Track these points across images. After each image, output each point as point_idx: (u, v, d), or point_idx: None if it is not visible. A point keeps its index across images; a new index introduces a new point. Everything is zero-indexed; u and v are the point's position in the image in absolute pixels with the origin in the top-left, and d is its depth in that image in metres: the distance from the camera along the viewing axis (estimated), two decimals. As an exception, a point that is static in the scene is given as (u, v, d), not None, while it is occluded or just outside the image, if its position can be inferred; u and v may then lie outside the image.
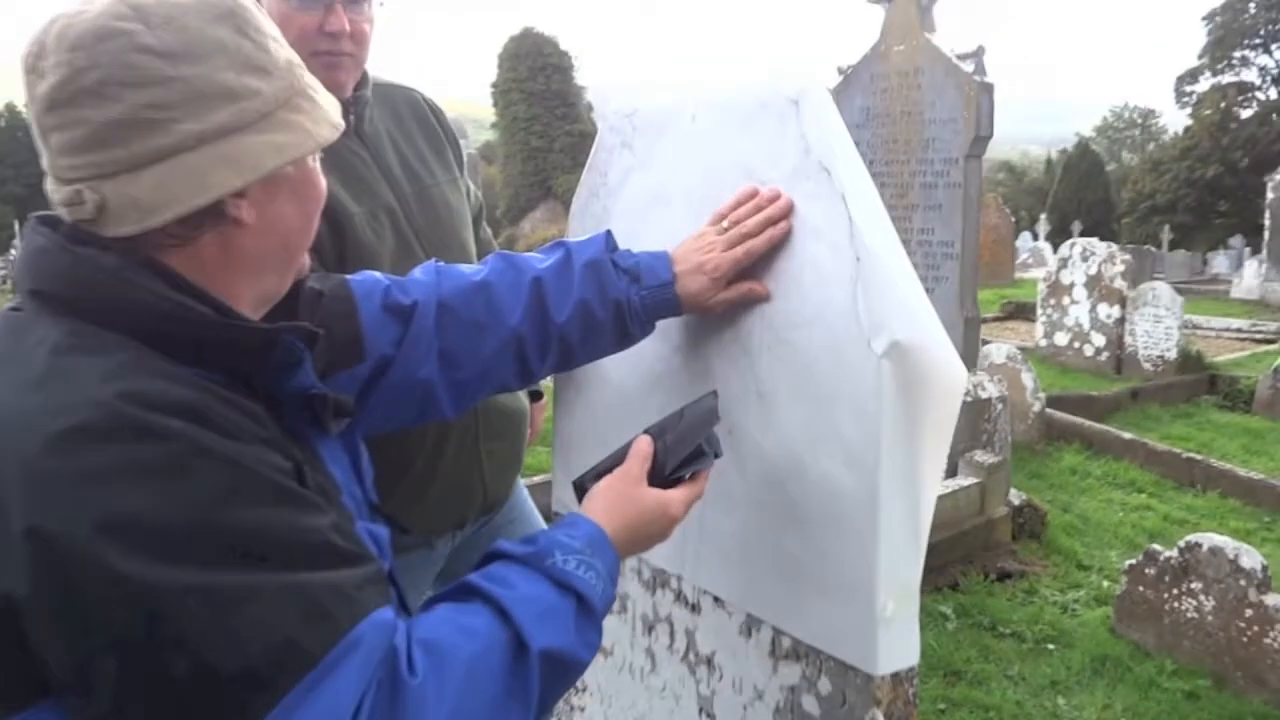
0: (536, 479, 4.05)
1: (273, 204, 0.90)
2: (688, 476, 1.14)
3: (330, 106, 0.96)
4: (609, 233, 1.30)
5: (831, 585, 1.20)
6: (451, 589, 0.95)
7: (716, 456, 1.17)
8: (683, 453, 1.14)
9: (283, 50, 0.92)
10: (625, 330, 1.28)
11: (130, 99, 0.81)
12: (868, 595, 1.16)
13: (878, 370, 1.12)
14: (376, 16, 1.60)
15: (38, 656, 0.75)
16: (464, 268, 1.28)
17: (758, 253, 1.24)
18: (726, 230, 1.26)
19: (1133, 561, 3.66)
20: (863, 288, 1.14)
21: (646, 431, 1.15)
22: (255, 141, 0.86)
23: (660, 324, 1.34)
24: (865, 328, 1.14)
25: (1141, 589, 3.58)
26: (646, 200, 1.48)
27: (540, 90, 33.90)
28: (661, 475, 1.12)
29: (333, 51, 1.53)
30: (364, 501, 1.08)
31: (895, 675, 1.19)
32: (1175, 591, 3.46)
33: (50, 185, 0.86)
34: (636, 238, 1.49)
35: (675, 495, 1.11)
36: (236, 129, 0.85)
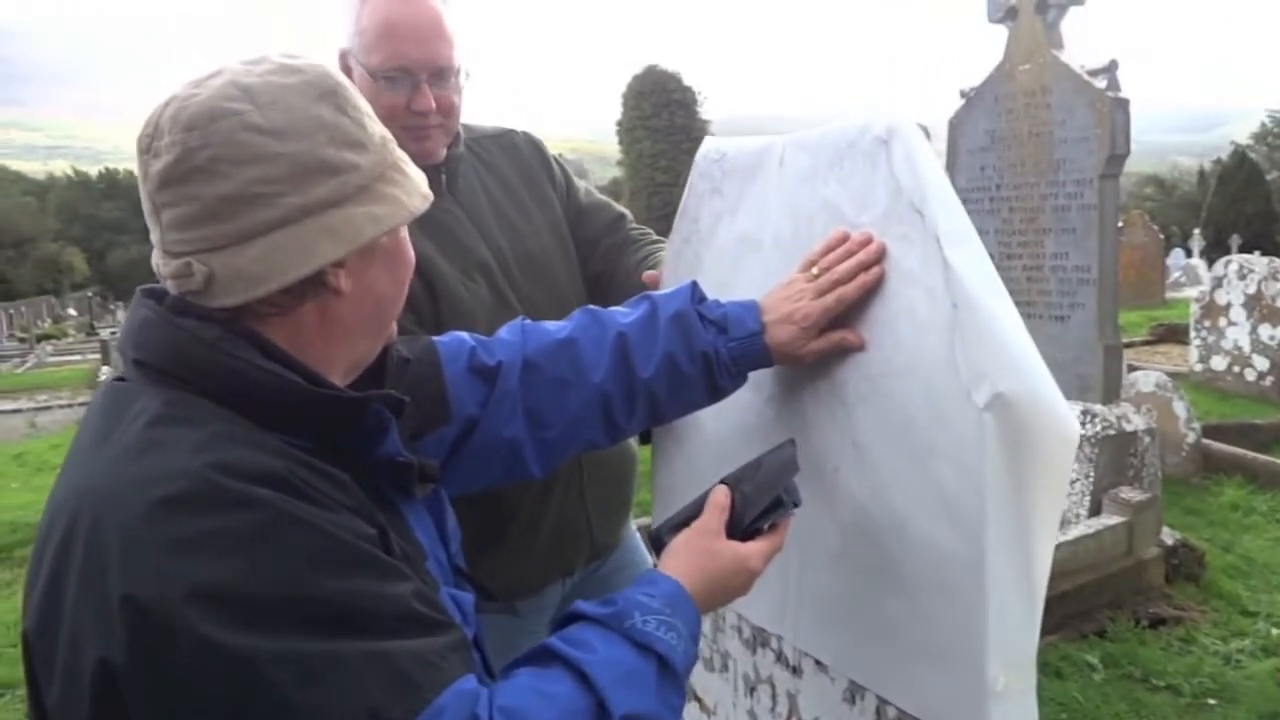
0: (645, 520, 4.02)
1: (368, 273, 0.94)
2: (766, 527, 1.10)
3: (419, 178, 0.99)
4: (695, 283, 1.28)
5: (937, 653, 1.12)
6: (532, 653, 0.94)
7: (795, 506, 1.12)
8: (761, 503, 1.09)
9: (376, 126, 0.95)
10: (714, 383, 1.25)
11: (240, 175, 0.85)
12: (977, 666, 1.08)
13: (979, 424, 1.04)
14: (465, 85, 1.62)
15: None
16: (550, 325, 1.28)
17: (850, 300, 1.19)
18: (816, 277, 1.22)
19: (1304, 609, 3.34)
20: (961, 336, 1.07)
21: (723, 481, 1.11)
22: (355, 213, 0.89)
23: (753, 375, 1.29)
24: (965, 379, 1.06)
25: (1316, 640, 3.26)
26: (737, 246, 1.44)
27: (665, 126, 34.31)
28: (740, 526, 1.08)
29: (422, 126, 1.57)
30: (449, 566, 1.07)
31: (1010, 753, 1.09)
32: (1355, 644, 3.14)
33: (158, 259, 0.90)
34: (729, 285, 1.46)
35: (754, 549, 1.08)
36: (337, 202, 0.88)
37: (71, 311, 35.71)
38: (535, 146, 1.90)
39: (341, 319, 0.93)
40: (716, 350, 1.23)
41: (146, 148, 0.88)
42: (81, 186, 56.49)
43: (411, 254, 1.01)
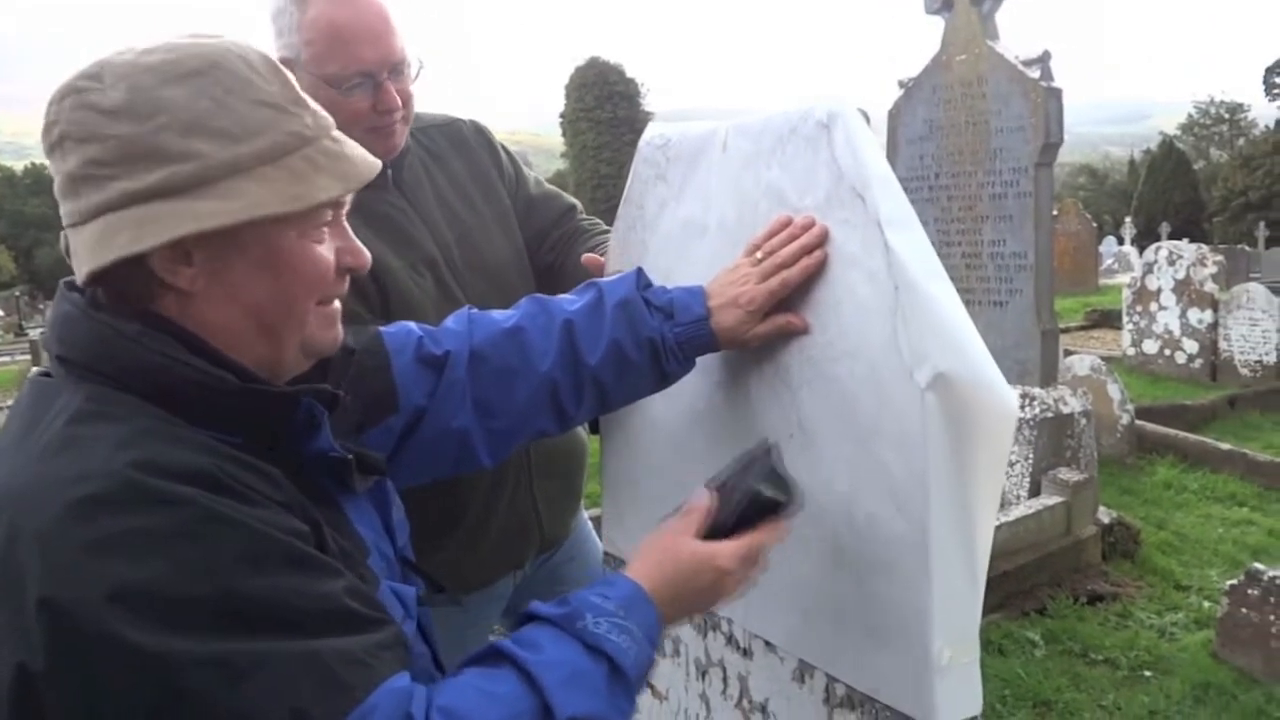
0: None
1: (228, 275, 0.87)
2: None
3: (333, 177, 0.90)
4: (640, 270, 1.27)
5: (884, 631, 1.14)
6: (480, 652, 0.93)
7: (787, 504, 1.09)
8: (732, 502, 1.08)
9: (262, 115, 0.87)
10: (661, 369, 1.25)
11: (79, 154, 0.84)
12: (923, 642, 1.09)
13: (921, 404, 1.06)
14: (418, 72, 1.60)
15: None
16: (497, 314, 1.26)
17: (793, 283, 1.20)
18: (760, 261, 1.22)
19: (1234, 582, 3.45)
20: (903, 318, 1.09)
21: (707, 485, 1.10)
22: (178, 207, 0.83)
23: (700, 360, 1.30)
24: (907, 360, 1.08)
25: (1245, 611, 3.37)
26: (682, 231, 1.44)
27: (608, 118, 34.29)
28: (725, 529, 1.07)
29: (388, 125, 1.55)
30: (394, 559, 1.06)
31: (956, 727, 1.11)
32: (1282, 613, 3.26)
33: None
34: (674, 270, 1.46)
35: (721, 547, 1.04)
36: (166, 191, 0.83)
37: (-1, 311, 34.60)
38: (483, 136, 1.87)
39: (206, 321, 0.88)
40: (663, 336, 1.22)
41: None
42: (6, 182, 54.72)
43: (316, 262, 0.92)
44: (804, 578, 1.24)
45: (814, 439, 1.21)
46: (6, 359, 18.97)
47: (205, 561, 0.75)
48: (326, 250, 0.93)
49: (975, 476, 1.09)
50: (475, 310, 1.28)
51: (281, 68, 0.91)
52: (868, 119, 1.23)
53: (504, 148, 1.92)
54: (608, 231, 1.89)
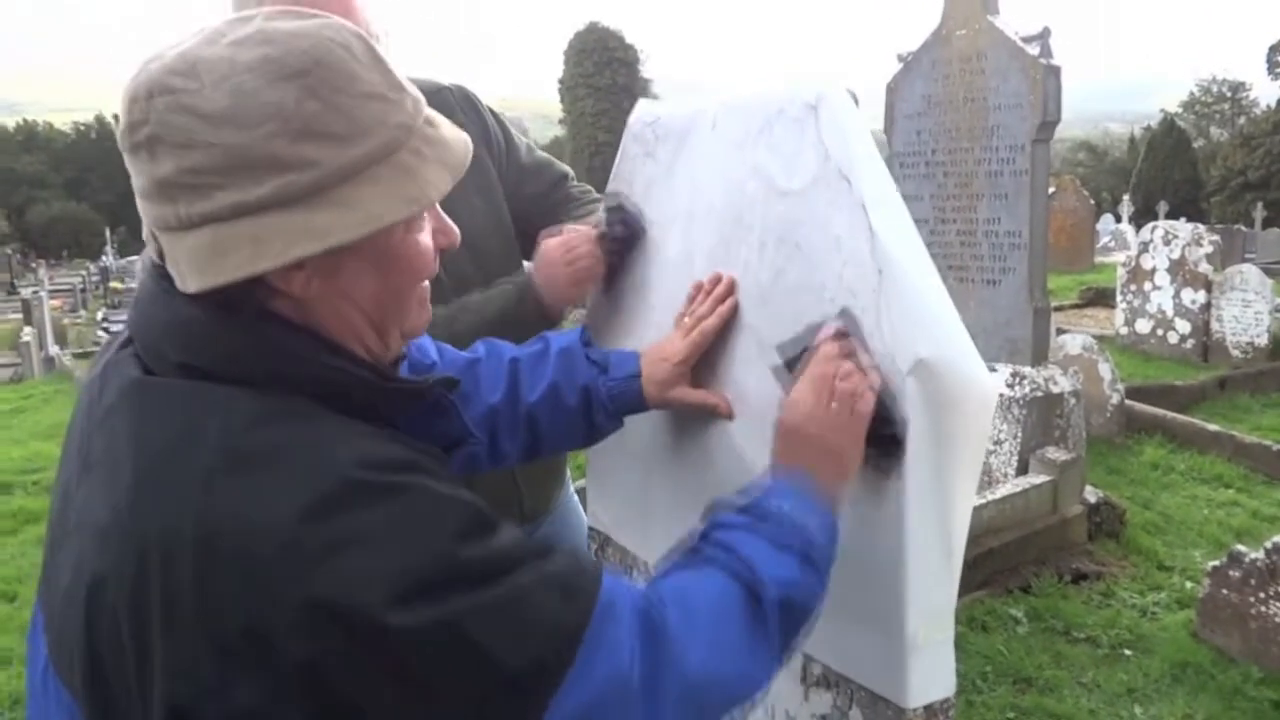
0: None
1: (339, 278, 0.85)
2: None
3: (439, 167, 0.88)
4: (584, 328, 1.35)
5: (859, 610, 1.15)
6: (677, 558, 1.00)
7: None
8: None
9: (373, 109, 0.82)
10: (592, 419, 1.30)
11: (174, 161, 0.77)
12: (898, 621, 1.11)
13: (901, 388, 1.06)
14: (387, 44, 1.56)
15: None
16: (456, 351, 1.30)
17: (711, 331, 1.30)
18: (686, 324, 1.31)
19: (1216, 563, 3.49)
20: (885, 301, 1.09)
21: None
22: (295, 221, 0.78)
23: None
24: (888, 343, 1.08)
25: (1225, 592, 3.41)
26: (670, 211, 1.44)
27: (607, 85, 34.03)
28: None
29: None
30: None
31: (929, 707, 1.13)
32: (1262, 595, 3.29)
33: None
34: (660, 249, 1.46)
35: (793, 395, 1.10)
36: (279, 204, 0.78)
37: (-10, 270, 34.42)
38: (471, 104, 1.84)
39: (321, 320, 0.86)
40: (596, 387, 1.28)
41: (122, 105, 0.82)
42: (-2, 139, 54.25)
43: (420, 253, 0.91)
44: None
45: (795, 420, 1.21)
46: (-2, 318, 18.91)
47: (442, 536, 0.77)
48: (427, 236, 0.92)
49: (954, 459, 1.10)
50: (442, 343, 1.31)
51: (376, 46, 0.85)
52: (856, 100, 1.22)
53: (493, 114, 1.89)
54: (598, 200, 1.88)
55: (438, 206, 0.93)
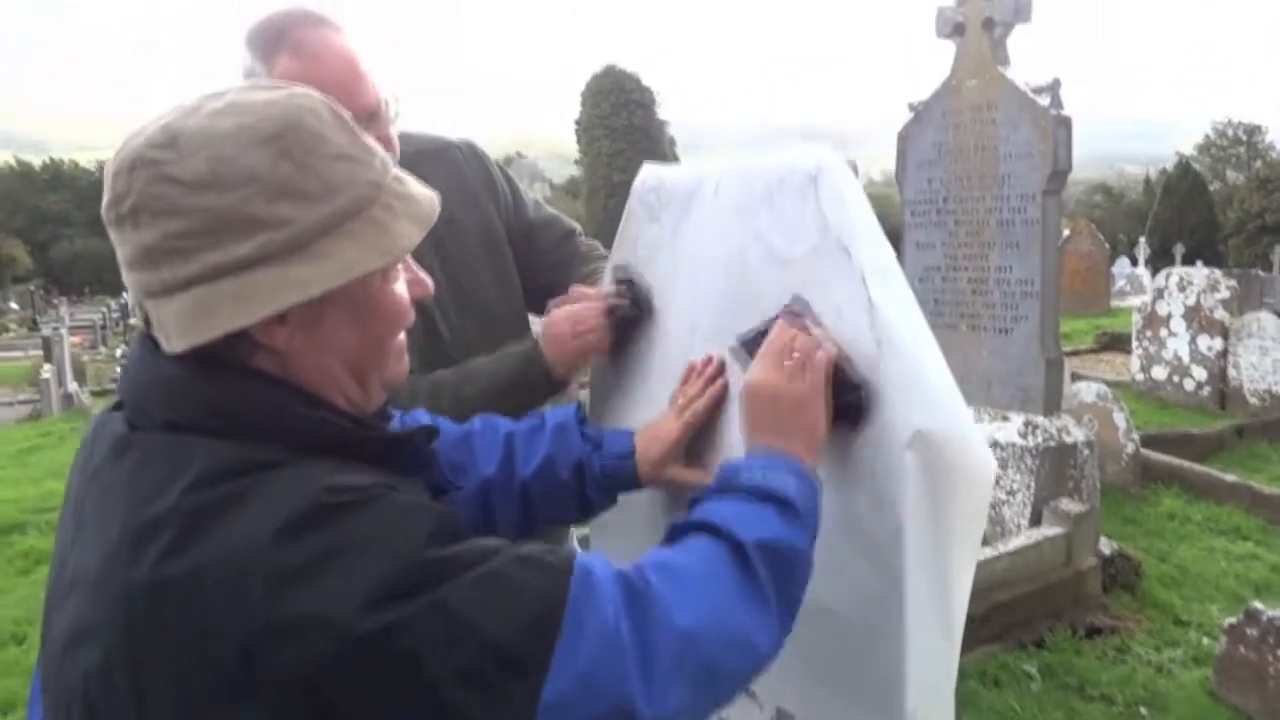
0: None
1: (321, 328, 0.88)
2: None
3: (408, 222, 0.91)
4: (580, 404, 1.37)
5: (858, 687, 1.14)
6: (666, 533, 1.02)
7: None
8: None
9: (343, 169, 0.87)
10: (584, 494, 1.31)
11: (158, 228, 0.81)
12: (896, 697, 1.09)
13: (900, 460, 1.06)
14: (397, 111, 1.58)
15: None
16: (447, 423, 1.31)
17: (702, 411, 1.32)
18: (679, 403, 1.33)
19: (1233, 621, 3.42)
20: (885, 373, 1.09)
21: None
22: (276, 275, 0.82)
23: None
24: (887, 415, 1.08)
25: (1243, 650, 3.35)
26: (673, 275, 1.45)
27: (623, 126, 34.36)
28: None
29: None
30: None
31: (929, 785, 1.11)
32: (1280, 654, 3.23)
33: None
34: (663, 312, 1.47)
35: (754, 369, 1.14)
36: (260, 260, 0.82)
37: (13, 305, 34.84)
38: (480, 161, 1.86)
39: (303, 372, 0.89)
40: (590, 463, 1.30)
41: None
42: (24, 177, 55.12)
43: (396, 304, 0.94)
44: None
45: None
46: (20, 354, 19.10)
47: (416, 535, 0.79)
48: (402, 287, 0.96)
49: (952, 534, 1.09)
50: (439, 416, 1.32)
51: (342, 111, 0.91)
52: (856, 171, 1.23)
53: (501, 170, 1.91)
54: (606, 256, 1.89)
55: (410, 259, 0.97)
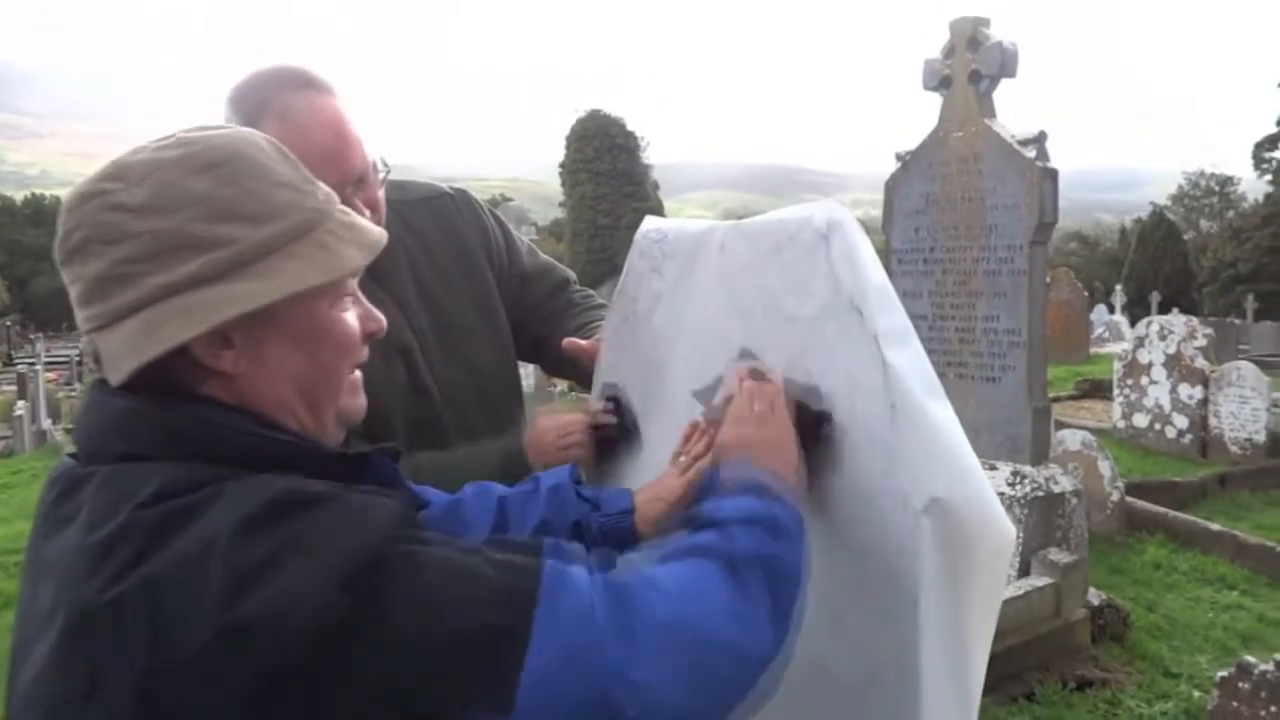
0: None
1: (265, 352, 0.90)
2: None
3: (353, 246, 0.94)
4: (575, 466, 1.34)
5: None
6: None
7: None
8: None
9: (283, 195, 0.90)
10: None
11: (108, 255, 0.84)
12: (912, 773, 1.05)
13: (915, 528, 1.03)
14: (385, 173, 1.56)
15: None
16: (435, 492, 1.28)
17: (707, 469, 1.28)
18: (682, 461, 1.31)
19: (1224, 674, 3.39)
20: (900, 437, 1.06)
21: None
22: (218, 292, 0.85)
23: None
24: (901, 481, 1.05)
25: (1235, 705, 3.31)
26: (674, 330, 1.43)
27: (607, 170, 34.59)
28: None
29: None
30: None
31: None
32: (1273, 709, 3.19)
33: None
34: (664, 367, 1.44)
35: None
36: (206, 279, 0.84)
37: (-12, 340, 34.42)
38: (472, 208, 1.83)
39: (253, 399, 0.90)
40: (588, 523, 1.26)
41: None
42: (5, 212, 54.79)
43: (344, 329, 0.95)
44: (791, 699, 1.20)
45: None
46: (-7, 390, 18.81)
47: (374, 528, 0.79)
48: (352, 318, 0.97)
49: (970, 603, 1.06)
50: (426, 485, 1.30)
51: (286, 149, 0.94)
52: (865, 229, 1.22)
53: (495, 217, 1.88)
54: (601, 306, 1.86)
55: (360, 294, 0.99)
